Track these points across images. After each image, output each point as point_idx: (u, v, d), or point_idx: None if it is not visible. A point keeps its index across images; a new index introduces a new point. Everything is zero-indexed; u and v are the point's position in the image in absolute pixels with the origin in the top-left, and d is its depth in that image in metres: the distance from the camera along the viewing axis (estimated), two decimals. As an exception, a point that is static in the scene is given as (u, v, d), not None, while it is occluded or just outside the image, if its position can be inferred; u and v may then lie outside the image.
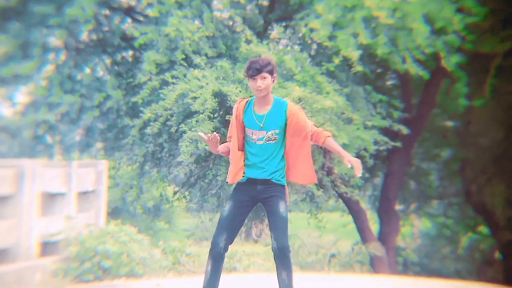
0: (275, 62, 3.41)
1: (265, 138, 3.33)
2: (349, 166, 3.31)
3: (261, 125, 3.33)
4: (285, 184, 3.37)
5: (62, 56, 8.17)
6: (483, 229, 12.61)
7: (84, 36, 8.28)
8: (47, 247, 5.51)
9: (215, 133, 3.38)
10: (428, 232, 13.01)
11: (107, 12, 8.19)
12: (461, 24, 7.53)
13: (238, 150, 3.36)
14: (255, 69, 3.29)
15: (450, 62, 7.76)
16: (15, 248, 5.08)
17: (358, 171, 3.32)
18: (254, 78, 3.30)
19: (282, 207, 3.29)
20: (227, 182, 3.48)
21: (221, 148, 3.48)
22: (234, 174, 3.36)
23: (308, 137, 3.36)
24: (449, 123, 11.44)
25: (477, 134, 11.34)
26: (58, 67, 8.01)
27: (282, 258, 3.24)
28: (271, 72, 3.32)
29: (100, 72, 8.49)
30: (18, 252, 5.09)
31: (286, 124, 3.33)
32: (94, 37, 8.25)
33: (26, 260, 5.12)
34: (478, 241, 12.88)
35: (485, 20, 7.98)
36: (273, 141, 3.34)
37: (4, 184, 5.03)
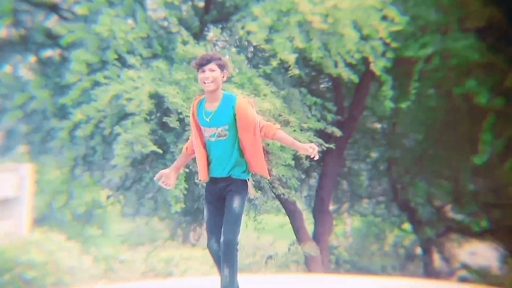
0: (227, 60, 3.37)
1: (216, 134, 3.33)
2: (308, 153, 3.35)
3: (208, 120, 3.32)
4: (246, 179, 3.38)
5: (-21, 53, 7.58)
6: (407, 226, 13.29)
7: (2, 32, 7.74)
8: (-36, 260, 5.06)
9: (158, 174, 3.40)
10: (358, 230, 13.50)
11: (28, 7, 7.70)
12: (385, 31, 7.88)
13: (199, 148, 3.37)
14: (205, 59, 3.29)
15: (378, 66, 8.10)
16: None
17: (315, 154, 3.36)
18: (203, 70, 3.27)
19: (236, 202, 3.31)
20: (199, 180, 3.54)
21: (180, 164, 3.54)
22: (200, 172, 3.42)
23: (257, 131, 3.36)
24: (378, 125, 11.94)
25: (401, 136, 11.92)
26: (-25, 65, 7.41)
27: (226, 252, 3.23)
28: (221, 67, 3.32)
29: (23, 71, 7.96)
30: None
31: (235, 119, 3.30)
32: (14, 33, 7.73)
33: None
34: (402, 238, 13.55)
35: (406, 28, 8.41)
36: (224, 137, 3.32)
37: None
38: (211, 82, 3.27)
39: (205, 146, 3.37)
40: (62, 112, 7.00)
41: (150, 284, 5.39)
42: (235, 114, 3.29)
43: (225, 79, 3.34)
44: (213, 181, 3.39)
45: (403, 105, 10.01)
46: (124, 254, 6.32)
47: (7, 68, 7.82)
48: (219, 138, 3.30)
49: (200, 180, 3.44)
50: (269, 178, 3.60)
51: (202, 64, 3.26)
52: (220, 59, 3.31)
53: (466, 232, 12.04)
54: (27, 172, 5.83)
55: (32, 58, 7.84)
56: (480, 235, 11.85)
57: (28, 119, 7.43)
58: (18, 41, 7.64)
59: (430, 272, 12.30)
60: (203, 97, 3.39)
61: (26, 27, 7.70)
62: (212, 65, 3.27)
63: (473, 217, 11.51)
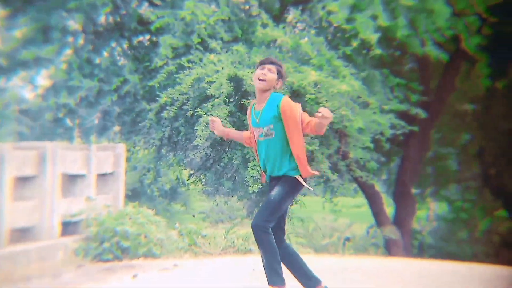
0: (286, 70, 3.49)
1: (263, 134, 3.42)
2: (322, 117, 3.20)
3: (257, 120, 3.42)
4: (296, 176, 3.39)
5: (81, 40, 8.27)
6: (501, 212, 12.50)
7: (102, 20, 8.35)
8: (68, 227, 5.68)
9: (213, 117, 3.51)
10: (444, 215, 12.96)
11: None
12: (483, 5, 7.37)
13: (255, 149, 3.50)
14: (268, 59, 3.43)
15: (471, 43, 7.62)
16: (38, 227, 5.26)
17: (328, 114, 3.21)
18: (262, 67, 3.39)
19: (275, 191, 3.37)
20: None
21: (232, 133, 3.65)
22: (261, 172, 3.55)
23: (300, 131, 3.38)
24: (468, 107, 11.28)
25: (497, 117, 11.17)
26: (77, 51, 8.11)
27: (254, 234, 3.31)
28: (279, 73, 3.41)
29: (118, 57, 8.57)
30: (41, 231, 5.27)
31: (281, 119, 3.37)
32: (111, 21, 8.32)
33: (48, 239, 5.30)
34: (496, 224, 12.79)
35: (507, 1, 7.79)
36: (270, 136, 3.40)
37: (27, 165, 5.19)
38: (264, 80, 3.36)
39: (256, 147, 3.48)
40: (151, 95, 7.47)
41: (233, 260, 5.68)
42: (280, 113, 3.35)
43: (278, 87, 3.40)
44: (272, 180, 3.46)
45: (500, 85, 9.35)
46: (206, 230, 6.69)
47: (105, 54, 8.45)
48: (267, 137, 3.38)
49: (261, 183, 3.58)
50: (304, 177, 3.46)
51: (264, 62, 3.39)
52: (281, 66, 3.42)
53: None
54: (122, 150, 6.35)
55: (125, 45, 8.41)
56: None
57: (121, 101, 8.03)
58: (115, 28, 8.21)
59: (529, 261, 11.50)
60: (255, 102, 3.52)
61: (121, 14, 8.24)
62: (273, 67, 3.37)
63: None
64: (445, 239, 12.35)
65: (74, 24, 8.18)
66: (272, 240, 3.29)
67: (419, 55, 8.07)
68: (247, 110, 3.67)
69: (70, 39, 8.24)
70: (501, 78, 9.19)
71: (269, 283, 3.31)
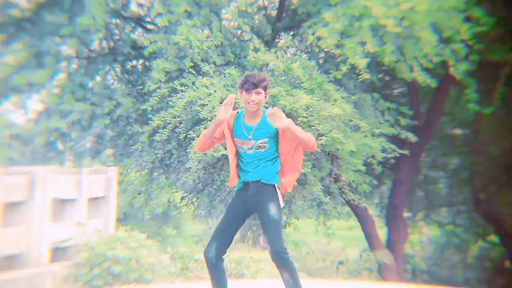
0: (268, 79, 3.45)
1: (254, 147, 3.41)
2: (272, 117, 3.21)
3: (250, 136, 3.40)
4: (276, 184, 3.39)
5: (74, 65, 8.31)
6: (493, 237, 12.52)
7: (95, 45, 8.42)
8: (57, 253, 5.58)
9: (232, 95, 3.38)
10: (437, 240, 12.94)
11: (118, 21, 8.32)
12: (469, 33, 7.54)
13: (232, 156, 3.44)
14: (252, 83, 3.35)
15: (458, 70, 7.76)
16: (26, 254, 5.15)
17: (274, 114, 3.21)
18: (249, 92, 3.37)
19: (272, 209, 3.32)
20: (228, 187, 3.57)
21: (216, 128, 3.44)
22: (232, 177, 3.47)
23: (300, 148, 3.40)
24: (458, 131, 11.41)
25: (486, 142, 11.30)
26: (70, 75, 8.14)
27: (279, 261, 3.27)
28: (265, 88, 3.40)
29: (111, 80, 8.61)
30: (29, 258, 5.17)
31: (277, 132, 3.38)
32: (105, 45, 8.38)
33: (37, 266, 5.19)
34: (488, 249, 12.78)
35: (493, 29, 7.98)
36: (263, 149, 3.40)
37: (16, 191, 5.13)
38: (256, 104, 3.36)
39: (236, 155, 3.43)
40: (143, 118, 7.49)
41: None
42: (278, 131, 3.36)
43: (267, 98, 3.42)
44: (244, 187, 3.40)
45: (488, 111, 9.49)
46: (198, 254, 6.61)
47: (98, 78, 8.48)
48: (259, 150, 3.38)
49: (229, 186, 3.49)
50: (289, 191, 3.48)
51: (248, 88, 3.33)
52: (265, 79, 3.38)
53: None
54: (114, 174, 6.30)
55: (118, 69, 8.46)
56: None
57: (114, 125, 8.03)
58: (108, 53, 8.27)
59: (521, 287, 11.50)
60: (240, 111, 3.48)
61: (114, 39, 8.33)
62: (259, 89, 3.33)
63: None
64: (437, 264, 12.31)
65: (67, 49, 8.23)
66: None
67: (408, 80, 8.19)
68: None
69: (63, 64, 8.27)
70: (487, 105, 9.34)
71: None
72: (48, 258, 5.39)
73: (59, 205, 5.75)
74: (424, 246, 12.88)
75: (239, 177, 3.44)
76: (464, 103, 9.83)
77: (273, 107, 3.49)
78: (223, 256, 3.41)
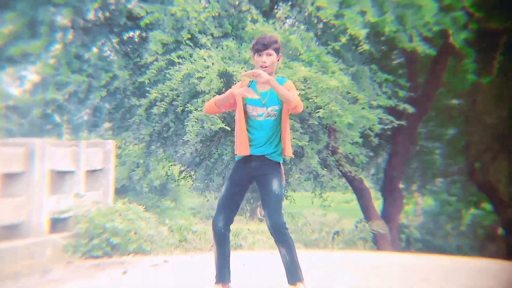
0: (281, 41, 3.40)
1: (264, 114, 3.38)
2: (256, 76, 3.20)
3: (264, 101, 3.37)
4: (280, 162, 3.39)
5: (70, 35, 8.20)
6: (486, 205, 12.70)
7: (91, 15, 8.29)
8: (57, 224, 5.64)
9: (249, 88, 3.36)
10: (431, 209, 13.12)
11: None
12: (469, 0, 7.45)
13: (242, 124, 3.39)
14: (262, 44, 3.32)
15: (458, 38, 7.71)
16: (26, 224, 5.20)
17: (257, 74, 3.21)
18: (260, 54, 3.34)
19: (275, 184, 3.32)
20: (235, 154, 3.53)
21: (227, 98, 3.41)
22: (241, 146, 3.39)
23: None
24: (455, 102, 11.41)
25: (482, 112, 11.33)
26: (66, 46, 8.04)
27: (277, 235, 3.29)
28: (277, 50, 3.36)
29: (107, 52, 8.51)
30: (29, 228, 5.22)
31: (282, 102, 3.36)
32: (100, 16, 8.25)
33: (36, 236, 5.26)
34: (481, 217, 12.99)
35: (493, -4, 7.90)
36: (273, 117, 3.37)
37: (15, 162, 5.14)
38: (267, 67, 3.32)
39: (246, 122, 3.37)
40: (141, 91, 7.45)
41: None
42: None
43: (279, 62, 3.40)
44: (246, 159, 3.36)
45: (486, 80, 9.46)
46: (196, 226, 6.70)
47: (94, 50, 8.38)
48: (268, 117, 3.34)
49: (236, 154, 3.41)
50: (292, 156, 3.49)
51: (260, 49, 3.31)
52: (276, 41, 3.35)
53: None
54: (112, 146, 6.31)
55: (115, 40, 8.35)
56: None
57: (111, 97, 7.98)
58: (104, 23, 8.15)
59: (514, 253, 11.75)
60: (252, 79, 3.41)
61: (110, 9, 8.19)
62: (270, 50, 3.31)
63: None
64: (431, 233, 12.52)
65: (62, 19, 8.11)
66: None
67: (407, 50, 8.14)
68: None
69: (58, 34, 8.16)
70: (485, 74, 9.30)
71: (299, 280, 3.29)
72: (48, 229, 5.45)
73: (58, 177, 5.78)
74: (419, 215, 13.07)
75: (250, 147, 3.37)
76: (462, 73, 9.80)
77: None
78: (230, 226, 3.41)
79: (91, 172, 6.08)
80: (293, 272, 3.30)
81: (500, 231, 12.55)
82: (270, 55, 3.34)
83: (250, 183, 3.46)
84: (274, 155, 3.38)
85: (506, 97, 10.87)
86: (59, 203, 5.59)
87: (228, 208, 3.37)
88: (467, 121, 11.31)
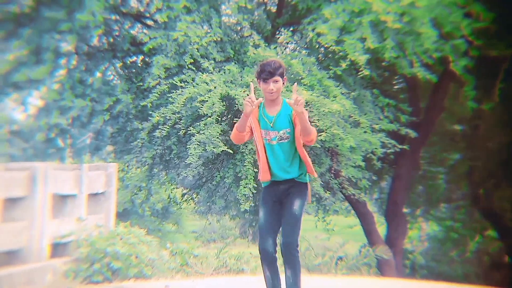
0: (284, 64, 3.46)
1: (277, 137, 3.42)
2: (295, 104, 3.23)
3: (271, 125, 3.40)
4: (307, 182, 3.44)
5: (74, 61, 8.31)
6: (491, 232, 12.56)
7: (95, 41, 8.41)
8: (58, 249, 5.59)
9: (260, 98, 3.38)
10: (435, 235, 12.98)
11: (117, 17, 8.32)
12: (469, 28, 7.55)
13: (262, 150, 3.44)
14: (269, 72, 3.36)
15: (458, 65, 7.78)
16: (27, 250, 5.16)
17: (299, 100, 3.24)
18: (266, 82, 3.38)
19: (296, 204, 3.36)
20: (258, 180, 3.57)
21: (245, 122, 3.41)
22: (263, 173, 3.46)
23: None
24: (457, 127, 11.44)
25: (485, 138, 11.34)
26: (70, 72, 8.14)
27: (287, 255, 3.29)
28: (282, 75, 3.41)
29: (111, 77, 8.61)
30: (30, 254, 5.17)
31: (293, 123, 3.41)
32: (104, 42, 8.38)
33: (37, 261, 5.20)
34: (486, 244, 12.83)
35: (492, 25, 8.00)
36: (286, 140, 3.41)
37: (17, 186, 5.13)
38: (275, 92, 3.38)
39: (265, 148, 3.43)
40: (143, 114, 7.50)
41: (226, 280, 5.61)
42: (292, 118, 3.39)
43: (285, 84, 3.44)
44: (274, 183, 3.43)
45: (487, 106, 9.50)
46: (198, 249, 6.63)
47: (98, 74, 8.48)
48: (281, 141, 3.39)
49: (260, 180, 3.49)
50: (316, 175, 3.55)
51: (266, 78, 3.34)
52: (280, 66, 3.39)
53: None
54: (114, 170, 6.31)
55: (118, 65, 8.46)
56: None
57: (114, 121, 8.03)
58: (108, 49, 8.27)
59: (519, 282, 11.55)
60: (261, 102, 3.46)
61: (114, 36, 8.32)
62: (276, 77, 3.35)
63: None
64: (436, 259, 12.35)
65: (66, 45, 8.23)
66: None
67: (407, 76, 8.21)
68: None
69: (63, 60, 8.27)
70: (487, 101, 9.35)
71: None
72: (48, 253, 5.40)
73: (60, 200, 5.76)
74: (423, 241, 12.91)
75: (271, 173, 3.43)
76: (463, 99, 9.86)
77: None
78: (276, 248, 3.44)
79: (93, 196, 6.06)
80: None
81: (506, 258, 12.38)
82: (276, 81, 3.39)
83: (280, 204, 3.49)
84: (302, 176, 3.43)
85: (508, 124, 10.90)
86: (60, 227, 5.54)
87: (273, 231, 3.40)
88: (470, 146, 11.31)
